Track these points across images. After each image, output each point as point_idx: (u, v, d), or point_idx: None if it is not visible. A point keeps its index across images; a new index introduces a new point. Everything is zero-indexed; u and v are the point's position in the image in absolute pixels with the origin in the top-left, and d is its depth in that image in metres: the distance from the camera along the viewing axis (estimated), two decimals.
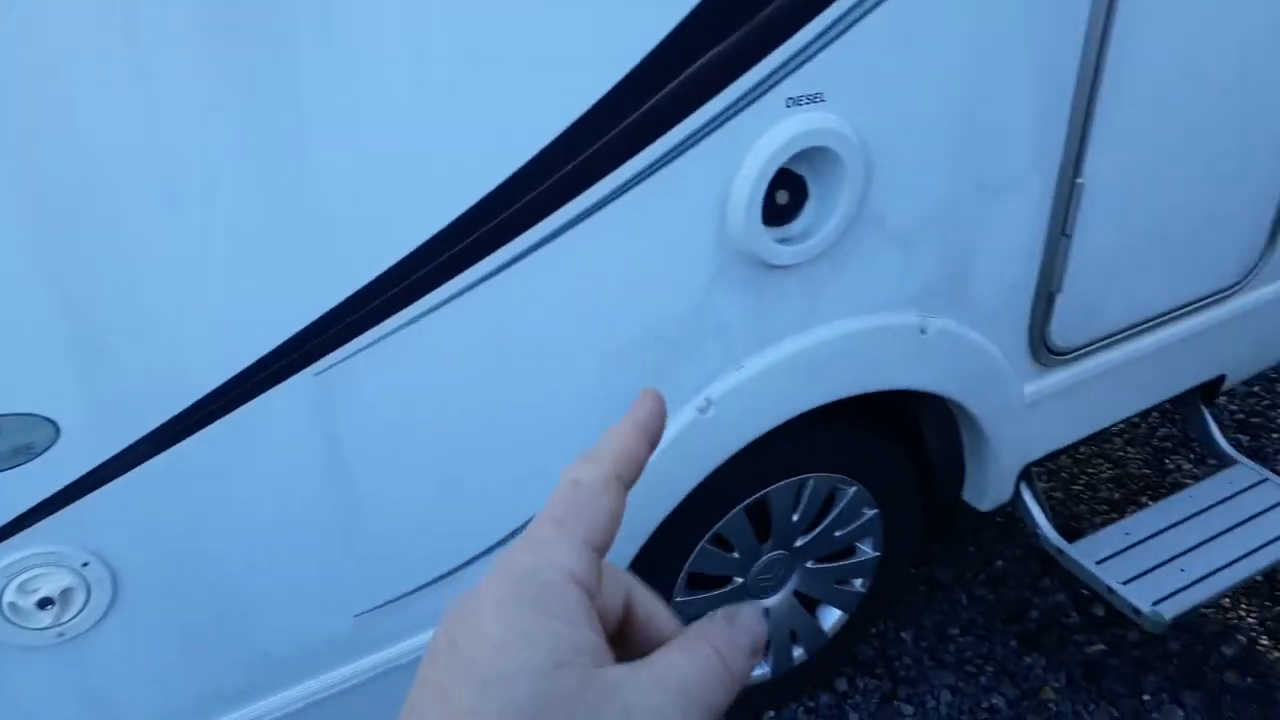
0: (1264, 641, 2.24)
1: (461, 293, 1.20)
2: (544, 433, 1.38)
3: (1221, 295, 1.99)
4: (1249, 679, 2.17)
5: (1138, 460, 2.79)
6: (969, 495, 2.06)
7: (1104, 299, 1.83)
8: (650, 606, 0.39)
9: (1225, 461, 2.20)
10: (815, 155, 1.38)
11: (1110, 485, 2.71)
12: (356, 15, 1.00)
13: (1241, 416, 2.96)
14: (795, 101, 1.31)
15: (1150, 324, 1.93)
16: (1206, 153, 1.77)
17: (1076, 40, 1.50)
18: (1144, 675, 2.20)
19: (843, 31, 1.29)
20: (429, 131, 1.09)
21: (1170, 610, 1.83)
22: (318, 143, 1.03)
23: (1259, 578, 2.38)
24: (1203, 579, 1.89)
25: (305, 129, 1.02)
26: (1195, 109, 1.71)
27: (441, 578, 1.41)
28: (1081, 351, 1.87)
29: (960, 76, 1.44)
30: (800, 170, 1.41)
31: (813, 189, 1.43)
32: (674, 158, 1.26)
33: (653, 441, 0.39)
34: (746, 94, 1.27)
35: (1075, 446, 2.04)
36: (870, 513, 2.01)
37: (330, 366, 1.15)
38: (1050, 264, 1.71)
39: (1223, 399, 3.02)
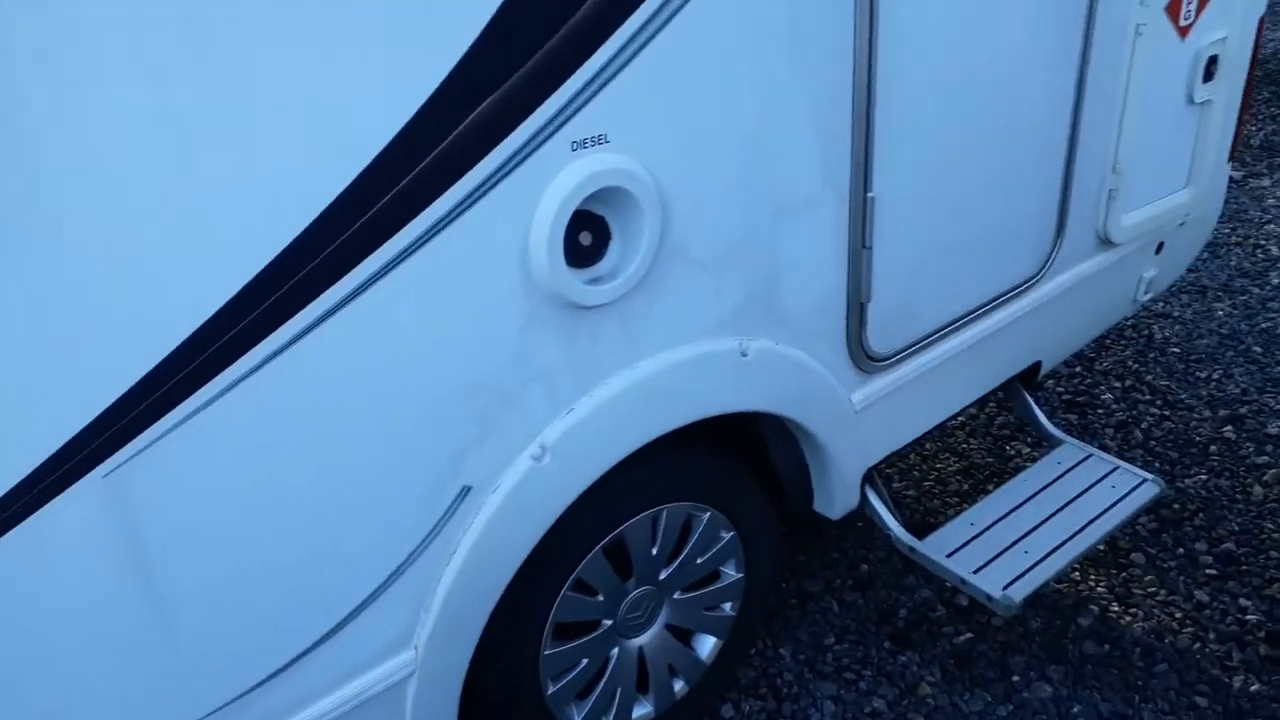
0: (1115, 608, 2.36)
1: (258, 367, 1.16)
2: (372, 500, 1.35)
3: (1024, 287, 2.12)
4: (1106, 646, 2.28)
5: (981, 450, 2.93)
6: (819, 506, 2.11)
7: (915, 303, 1.93)
8: None
9: (1053, 442, 2.32)
10: (611, 195, 1.41)
11: (959, 478, 2.83)
12: (105, 94, 0.97)
13: (1068, 397, 3.14)
14: (580, 145, 1.34)
15: (962, 322, 2.03)
16: (987, 155, 1.89)
17: (846, 63, 1.58)
18: (1011, 657, 2.29)
19: (616, 73, 1.33)
20: (199, 199, 1.06)
21: (1019, 592, 1.91)
22: (71, 226, 0.99)
23: (1101, 548, 2.52)
24: (1045, 557, 1.98)
25: (59, 215, 0.98)
26: (970, 115, 1.82)
27: (279, 671, 1.35)
28: (901, 355, 1.96)
29: (741, 107, 1.50)
30: (600, 211, 1.44)
31: (614, 228, 1.46)
32: (465, 209, 1.27)
33: None
34: (530, 141, 1.29)
35: (914, 446, 2.12)
36: (728, 535, 2.03)
37: (119, 465, 1.09)
38: (856, 276, 1.79)
39: (1050, 382, 3.20)
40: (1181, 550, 2.49)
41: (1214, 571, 2.41)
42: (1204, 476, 2.73)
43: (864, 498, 2.11)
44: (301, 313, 1.17)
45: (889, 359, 1.94)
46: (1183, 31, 2.08)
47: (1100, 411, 3.06)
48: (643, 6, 1.32)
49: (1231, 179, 5.05)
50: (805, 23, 1.51)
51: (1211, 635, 2.24)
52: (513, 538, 1.55)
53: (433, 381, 1.35)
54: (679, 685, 2.11)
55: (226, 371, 1.14)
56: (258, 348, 1.15)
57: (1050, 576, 1.92)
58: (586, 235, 1.44)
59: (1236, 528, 2.54)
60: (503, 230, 1.32)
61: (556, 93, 1.29)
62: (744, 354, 1.70)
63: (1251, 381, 3.14)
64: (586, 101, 1.32)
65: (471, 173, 1.25)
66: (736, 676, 2.31)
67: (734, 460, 1.98)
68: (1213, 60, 2.15)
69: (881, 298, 1.85)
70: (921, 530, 2.43)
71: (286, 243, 1.12)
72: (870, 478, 2.11)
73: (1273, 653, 2.17)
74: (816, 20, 1.52)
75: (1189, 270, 3.92)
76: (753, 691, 2.29)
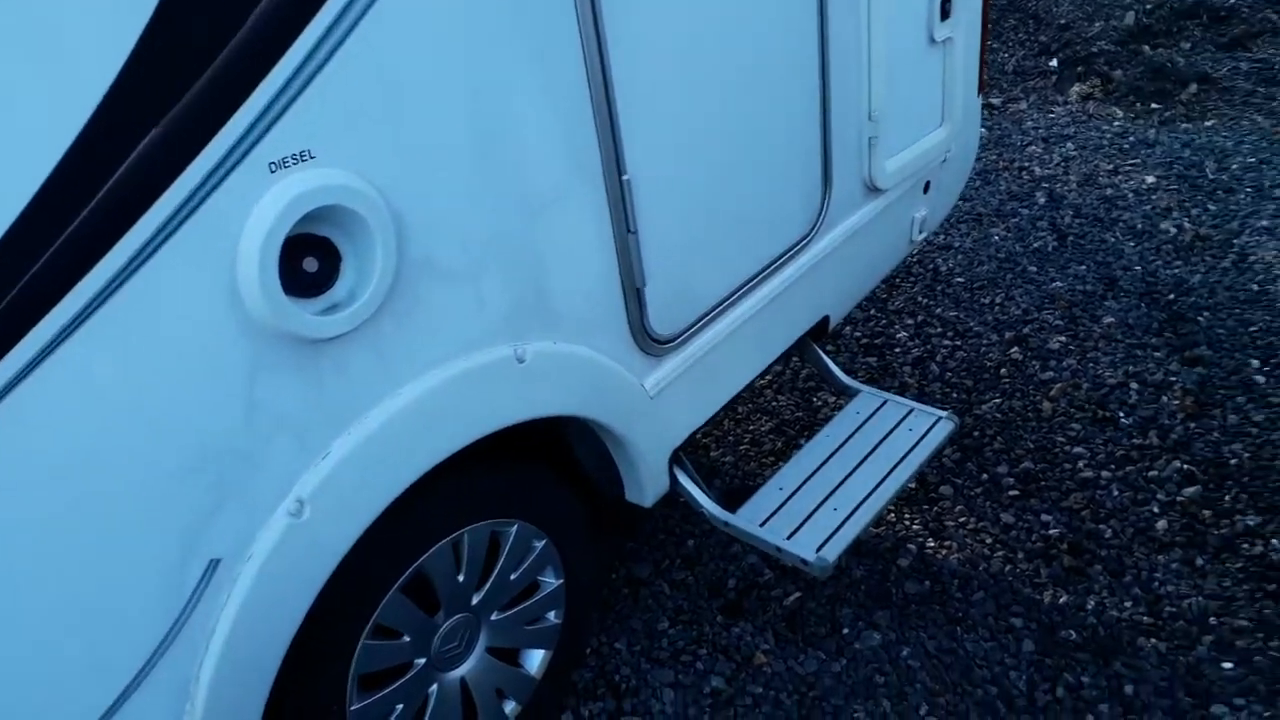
0: (931, 544, 2.42)
1: None
2: (99, 595, 1.17)
3: (800, 246, 2.10)
4: (926, 583, 2.33)
5: (790, 405, 2.95)
6: (631, 495, 2.05)
7: (692, 280, 1.87)
8: None
9: (850, 393, 2.34)
10: (333, 214, 1.26)
11: (772, 436, 2.84)
12: None
13: (866, 341, 3.21)
14: (280, 165, 1.19)
15: (744, 290, 1.99)
16: (740, 122, 1.84)
17: (574, 46, 1.48)
18: (839, 609, 2.31)
19: (308, 81, 1.18)
20: None
21: (832, 552, 1.90)
22: None
23: (911, 485, 2.58)
24: (854, 511, 1.98)
25: None
26: (714, 85, 1.76)
27: None
28: (687, 334, 1.90)
29: (465, 103, 1.37)
30: (324, 232, 1.29)
31: (344, 249, 1.32)
32: (149, 255, 1.10)
33: None
34: (216, 168, 1.13)
35: (716, 420, 2.08)
36: (540, 544, 1.93)
37: None
38: (627, 261, 1.71)
39: (848, 329, 3.27)
40: (985, 476, 2.58)
41: (1016, 492, 2.51)
42: (998, 400, 2.85)
43: (673, 479, 2.06)
44: None
45: (675, 339, 1.88)
46: None
47: (898, 350, 3.14)
48: (326, 6, 1.17)
49: (992, 105, 5.33)
50: (521, 7, 1.40)
51: (1020, 555, 2.33)
52: (281, 603, 1.39)
53: (149, 454, 1.17)
54: (510, 707, 2.01)
55: None
56: None
57: (860, 531, 1.92)
58: (312, 261, 1.29)
59: (1032, 445, 2.66)
60: (201, 273, 1.16)
61: (239, 111, 1.13)
62: (521, 360, 1.60)
63: (1031, 301, 3.30)
64: (279, 116, 1.17)
65: (150, 213, 1.08)
66: (573, 681, 2.23)
67: (535, 466, 1.89)
68: None
69: (657, 280, 1.78)
70: (741, 497, 2.41)
71: None
72: (677, 458, 2.06)
73: (1075, 563, 2.27)
74: (533, 4, 1.41)
75: (964, 200, 4.09)
76: (591, 694, 2.21)
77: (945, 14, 2.21)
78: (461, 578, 1.79)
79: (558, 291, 1.63)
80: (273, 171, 1.18)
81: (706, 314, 1.93)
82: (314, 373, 1.32)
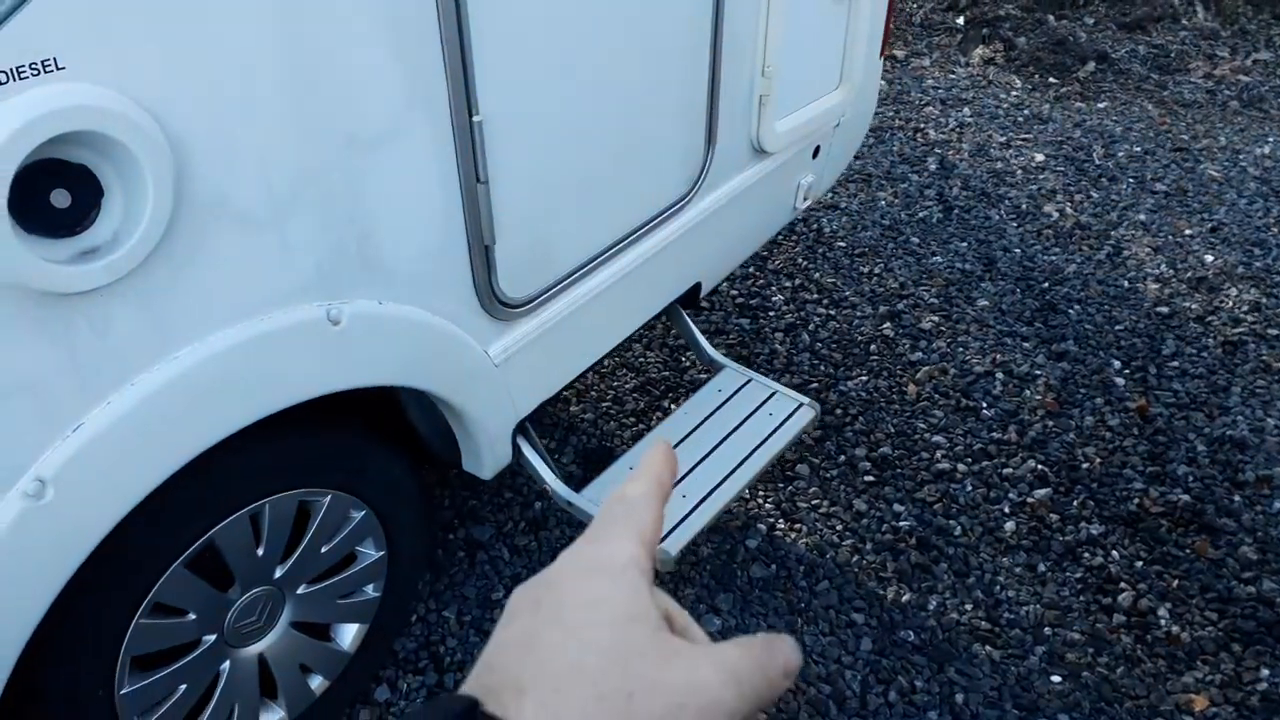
0: (781, 525, 2.34)
1: None
2: None
3: (677, 207, 1.93)
4: (773, 567, 2.25)
5: (657, 364, 2.80)
6: (469, 466, 1.87)
7: (552, 239, 1.67)
8: (685, 621, 0.44)
9: (716, 367, 2.21)
10: (94, 138, 1.01)
11: (635, 395, 2.70)
12: None
13: (741, 300, 3.08)
14: (11, 75, 0.93)
15: (610, 253, 1.81)
16: (617, 68, 1.64)
17: None
18: (682, 590, 2.21)
19: None
20: None
21: (675, 545, 1.79)
22: None
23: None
24: (703, 501, 1.87)
25: None
26: (589, 21, 1.55)
27: None
28: (543, 297, 1.71)
29: (270, 16, 1.12)
30: (83, 159, 1.04)
31: (109, 181, 1.07)
32: None
33: (673, 472, 0.48)
34: None
35: (569, 389, 1.92)
36: (359, 514, 1.74)
37: None
38: (475, 215, 1.50)
39: (724, 284, 3.13)
40: (843, 457, 2.51)
41: (871, 478, 2.45)
42: (865, 378, 2.77)
43: (517, 451, 1.89)
44: None
45: (528, 303, 1.69)
46: None
47: (771, 315, 3.02)
48: None
49: (895, 57, 5.22)
50: None
51: (869, 546, 2.27)
52: (15, 592, 1.17)
53: None
54: (317, 681, 1.84)
55: None
56: None
57: (706, 523, 1.81)
58: (63, 194, 1.04)
59: (892, 429, 2.59)
60: None
61: None
62: (335, 322, 1.38)
63: (909, 274, 3.22)
64: (10, 13, 0.91)
65: None
66: (394, 650, 2.07)
67: (354, 431, 1.68)
68: None
69: (509, 238, 1.58)
70: (596, 459, 2.27)
71: None
72: (522, 428, 1.89)
73: (922, 559, 2.23)
74: None
75: (857, 158, 3.98)
76: (412, 665, 2.06)
77: None
78: (261, 551, 1.59)
79: (388, 244, 1.41)
80: (2, 84, 0.93)
81: (566, 276, 1.74)
82: (61, 331, 1.09)
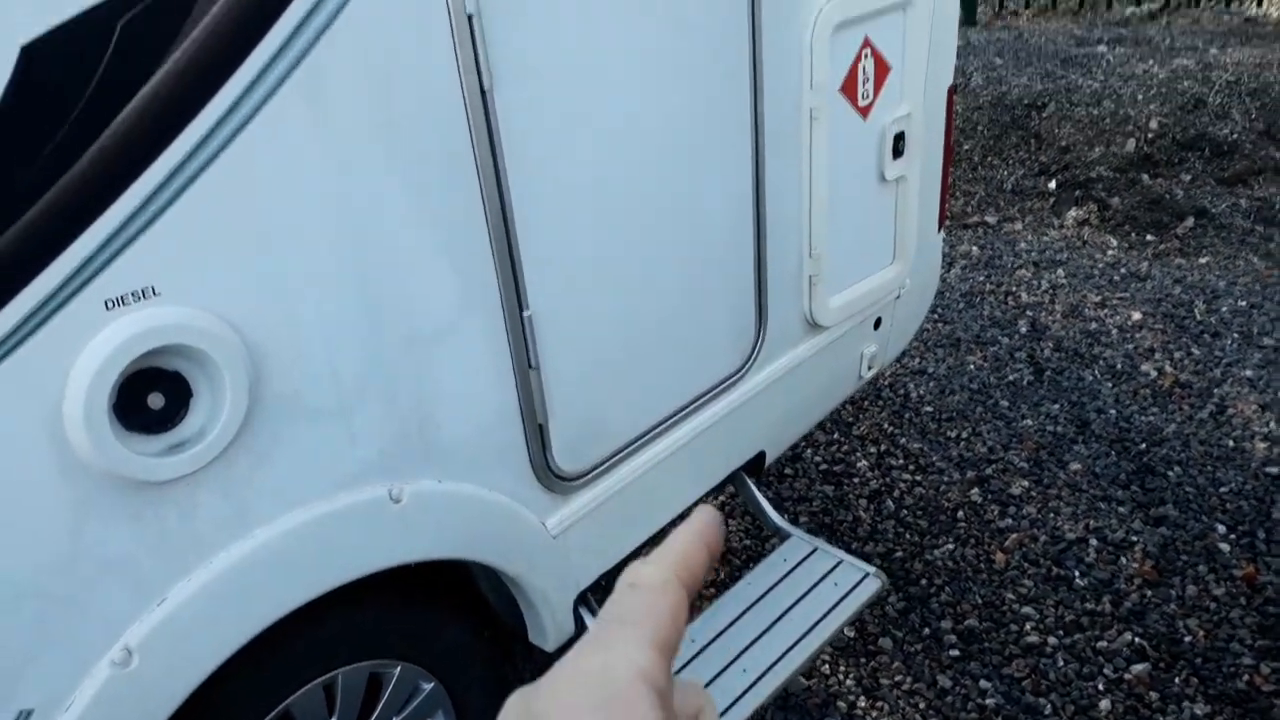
0: (862, 703, 2.28)
1: None
2: None
3: (730, 382, 2.02)
4: None
5: (738, 532, 2.83)
6: (534, 637, 1.94)
7: (603, 415, 1.79)
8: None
9: (782, 535, 2.24)
10: (184, 349, 1.20)
11: (716, 565, 2.72)
12: None
13: (825, 467, 3.10)
14: (118, 302, 1.12)
15: (663, 427, 1.91)
16: (660, 259, 1.78)
17: (468, 177, 1.43)
18: None
19: (157, 215, 1.13)
20: None
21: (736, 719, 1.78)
22: None
23: (850, 633, 2.45)
24: (764, 675, 1.87)
25: None
26: (631, 219, 1.71)
27: None
28: (599, 470, 1.81)
29: (336, 235, 1.31)
30: (176, 366, 1.22)
31: (198, 384, 1.25)
32: None
33: (711, 551, 0.39)
34: (42, 305, 1.07)
35: (630, 559, 1.97)
36: (429, 686, 1.82)
37: None
38: (529, 397, 1.63)
39: (808, 451, 3.16)
40: (928, 630, 2.45)
41: (957, 652, 2.37)
42: (951, 546, 2.72)
43: (580, 623, 1.94)
44: None
45: (584, 476, 1.79)
46: (863, 111, 2.05)
47: (855, 480, 3.03)
48: (185, 134, 1.12)
49: (988, 223, 5.29)
50: (407, 136, 1.35)
51: None
52: None
53: None
54: None
55: None
56: None
57: (765, 699, 1.80)
58: (158, 397, 1.22)
59: (980, 600, 2.52)
60: (21, 409, 1.09)
61: (74, 245, 1.07)
62: (397, 500, 1.51)
63: (998, 439, 3.19)
64: (120, 252, 1.11)
65: None
66: None
67: (426, 605, 1.78)
68: (899, 137, 2.14)
69: (562, 415, 1.70)
70: None
71: None
72: (585, 599, 1.95)
73: None
74: (419, 131, 1.36)
75: (945, 323, 4.02)
76: None
77: (898, 153, 2.16)
78: None
79: (446, 428, 1.55)
80: (109, 309, 1.12)
81: (621, 450, 1.84)
82: (150, 515, 1.25)
